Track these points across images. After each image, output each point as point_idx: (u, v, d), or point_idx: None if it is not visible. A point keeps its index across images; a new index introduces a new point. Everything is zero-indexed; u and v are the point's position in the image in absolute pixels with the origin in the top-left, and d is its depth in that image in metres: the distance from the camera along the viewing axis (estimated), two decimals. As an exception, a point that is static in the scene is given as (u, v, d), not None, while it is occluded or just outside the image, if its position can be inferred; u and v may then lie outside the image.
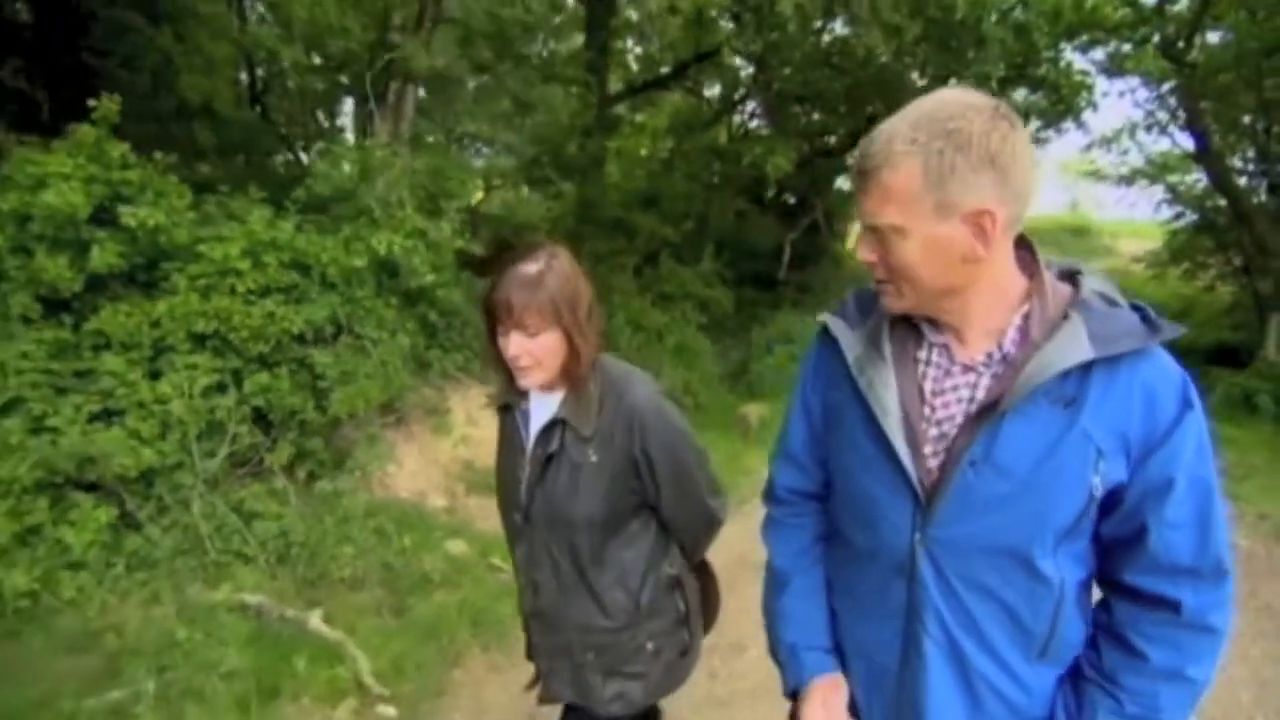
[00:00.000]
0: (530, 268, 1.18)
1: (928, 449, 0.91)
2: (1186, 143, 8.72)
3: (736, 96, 8.21)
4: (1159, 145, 9.98)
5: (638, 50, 7.72)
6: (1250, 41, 5.88)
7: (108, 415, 2.88)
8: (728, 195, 9.00)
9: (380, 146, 3.68)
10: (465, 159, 7.45)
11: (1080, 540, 0.89)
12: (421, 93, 5.93)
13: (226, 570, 2.85)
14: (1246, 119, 8.28)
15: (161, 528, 2.84)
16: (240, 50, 7.41)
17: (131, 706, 2.13)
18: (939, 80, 7.92)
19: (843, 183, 10.93)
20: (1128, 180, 10.29)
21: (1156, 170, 10.10)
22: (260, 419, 3.31)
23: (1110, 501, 0.87)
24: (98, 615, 2.52)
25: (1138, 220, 13.32)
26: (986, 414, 0.87)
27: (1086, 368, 0.83)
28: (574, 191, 7.27)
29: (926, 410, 0.92)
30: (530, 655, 1.42)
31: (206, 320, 2.99)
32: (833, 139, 9.41)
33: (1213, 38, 7.77)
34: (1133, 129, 9.62)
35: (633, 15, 6.79)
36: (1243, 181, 8.45)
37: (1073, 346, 0.83)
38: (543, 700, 1.37)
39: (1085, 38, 7.70)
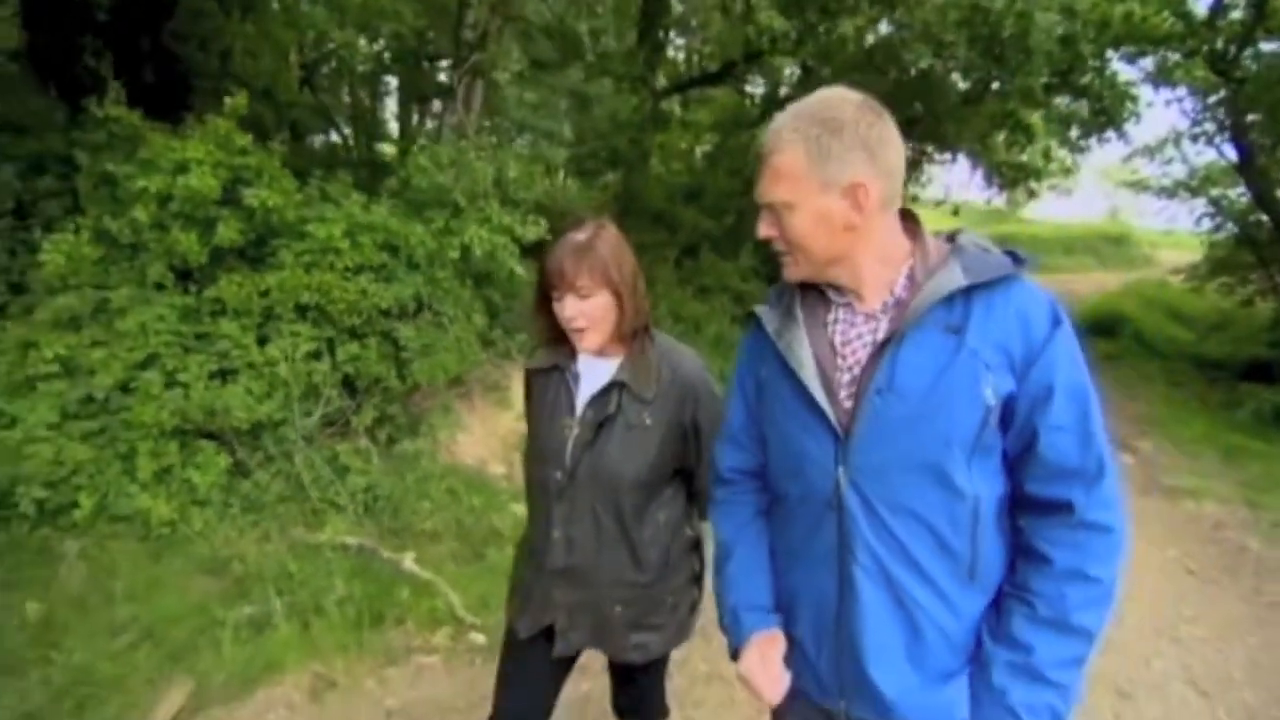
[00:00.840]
0: (580, 235, 1.31)
1: (842, 392, 1.02)
2: (1232, 155, 8.83)
3: (781, 95, 8.46)
4: (1204, 157, 10.07)
5: (685, 47, 8.00)
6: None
7: (224, 374, 3.30)
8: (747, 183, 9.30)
9: (475, 146, 4.04)
10: (521, 150, 7.82)
11: (991, 456, 0.99)
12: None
13: (323, 516, 3.26)
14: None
15: (269, 475, 3.26)
16: (295, 32, 7.83)
17: (265, 619, 2.54)
18: (981, 84, 8.11)
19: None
20: (1169, 192, 10.37)
21: (1200, 183, 10.16)
22: (347, 384, 3.72)
23: (1007, 415, 0.97)
24: (222, 545, 2.94)
25: (1179, 231, 13.33)
26: (886, 347, 0.99)
27: (967, 296, 0.97)
28: (618, 182, 7.60)
29: (839, 360, 1.04)
30: (524, 610, 1.45)
31: (310, 293, 3.39)
32: None
33: (1268, 46, 7.83)
34: (1177, 139, 9.73)
35: (683, 13, 7.06)
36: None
37: (949, 278, 0.97)
38: (558, 653, 1.43)
39: (1133, 48, 7.82)
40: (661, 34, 6.96)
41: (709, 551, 1.37)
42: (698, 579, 1.50)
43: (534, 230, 3.98)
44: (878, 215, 0.99)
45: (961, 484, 0.96)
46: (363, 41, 8.84)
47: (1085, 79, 7.72)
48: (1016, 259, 0.99)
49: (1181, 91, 8.51)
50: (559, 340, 1.37)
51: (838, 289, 1.06)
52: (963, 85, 8.41)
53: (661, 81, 7.37)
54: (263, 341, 3.41)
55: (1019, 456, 0.98)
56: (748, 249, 8.39)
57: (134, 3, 6.41)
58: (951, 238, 1.05)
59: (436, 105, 11.81)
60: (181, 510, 2.95)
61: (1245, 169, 8.29)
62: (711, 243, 8.10)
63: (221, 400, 3.12)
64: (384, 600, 2.71)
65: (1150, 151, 10.48)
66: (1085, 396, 0.95)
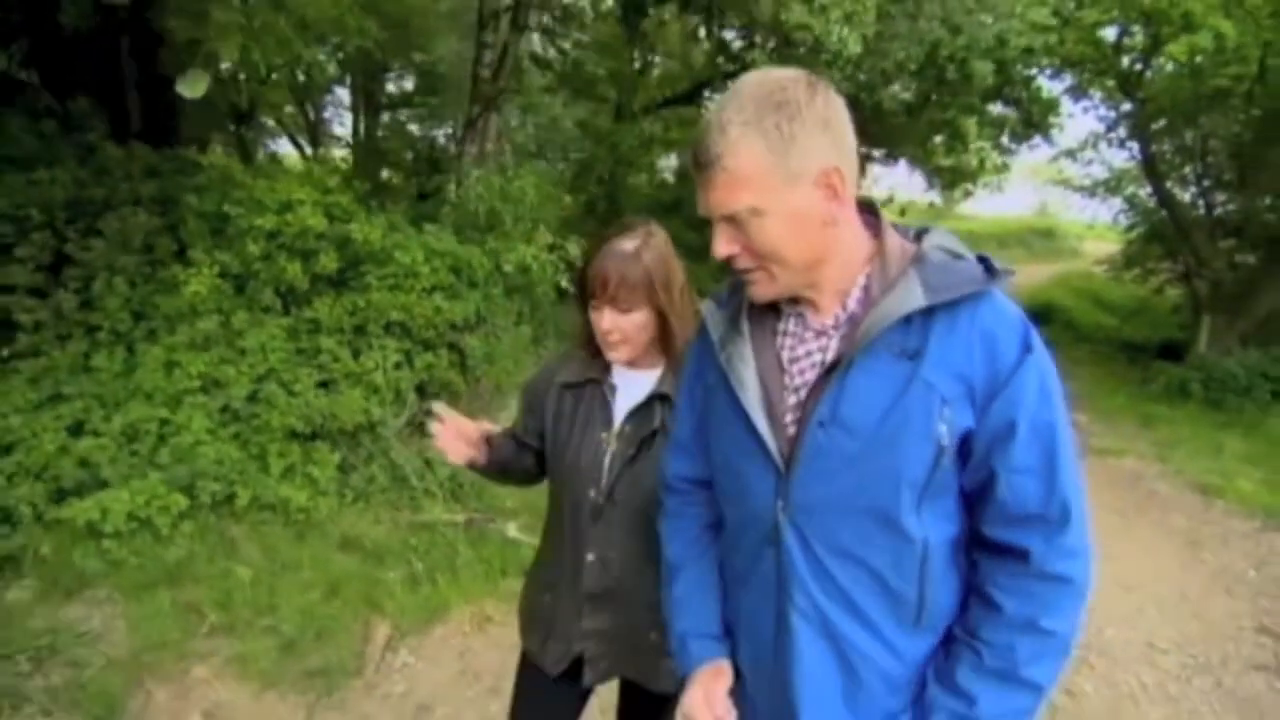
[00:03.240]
0: (628, 244, 1.25)
1: (787, 417, 0.94)
2: (1140, 158, 10.38)
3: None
4: (1118, 159, 11.67)
5: (661, 70, 8.91)
6: (1185, 87, 7.37)
7: (325, 384, 3.96)
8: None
9: (512, 172, 4.80)
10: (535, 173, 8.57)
11: (945, 496, 0.91)
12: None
13: (419, 501, 3.96)
14: (1189, 139, 9.92)
15: (373, 468, 3.94)
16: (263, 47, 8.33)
17: (414, 579, 3.25)
18: (922, 96, 9.32)
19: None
20: (1090, 191, 11.94)
21: (1116, 182, 11.77)
22: (420, 389, 4.42)
23: (964, 451, 0.89)
24: (348, 527, 3.61)
25: (1100, 224, 15.11)
26: (832, 373, 0.90)
27: (927, 317, 0.87)
28: (604, 197, 8.43)
29: (786, 379, 0.96)
30: (547, 641, 1.40)
31: (397, 311, 4.09)
32: None
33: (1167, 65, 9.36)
34: (1095, 141, 11.26)
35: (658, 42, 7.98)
36: (1187, 196, 10.11)
37: (906, 296, 0.87)
38: (588, 683, 1.39)
39: (1052, 67, 9.20)
40: (640, 60, 7.85)
41: None
42: None
43: (574, 248, 4.77)
44: (850, 205, 0.92)
45: (910, 528, 0.90)
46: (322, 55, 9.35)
47: (1015, 92, 9.12)
48: (989, 268, 0.90)
49: (1097, 100, 10.01)
50: (593, 350, 1.35)
51: (793, 297, 0.97)
52: (905, 95, 9.61)
53: (644, 101, 8.24)
54: (356, 354, 4.08)
55: (975, 495, 0.92)
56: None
57: (121, 30, 6.82)
58: (919, 236, 0.97)
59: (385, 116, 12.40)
60: (310, 499, 3.61)
61: (1150, 172, 9.79)
62: (690, 252, 9.02)
63: (330, 406, 3.79)
64: (501, 559, 3.46)
65: (1072, 154, 12.05)
66: (1053, 435, 0.88)
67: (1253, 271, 8.48)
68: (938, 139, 11.91)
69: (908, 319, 0.87)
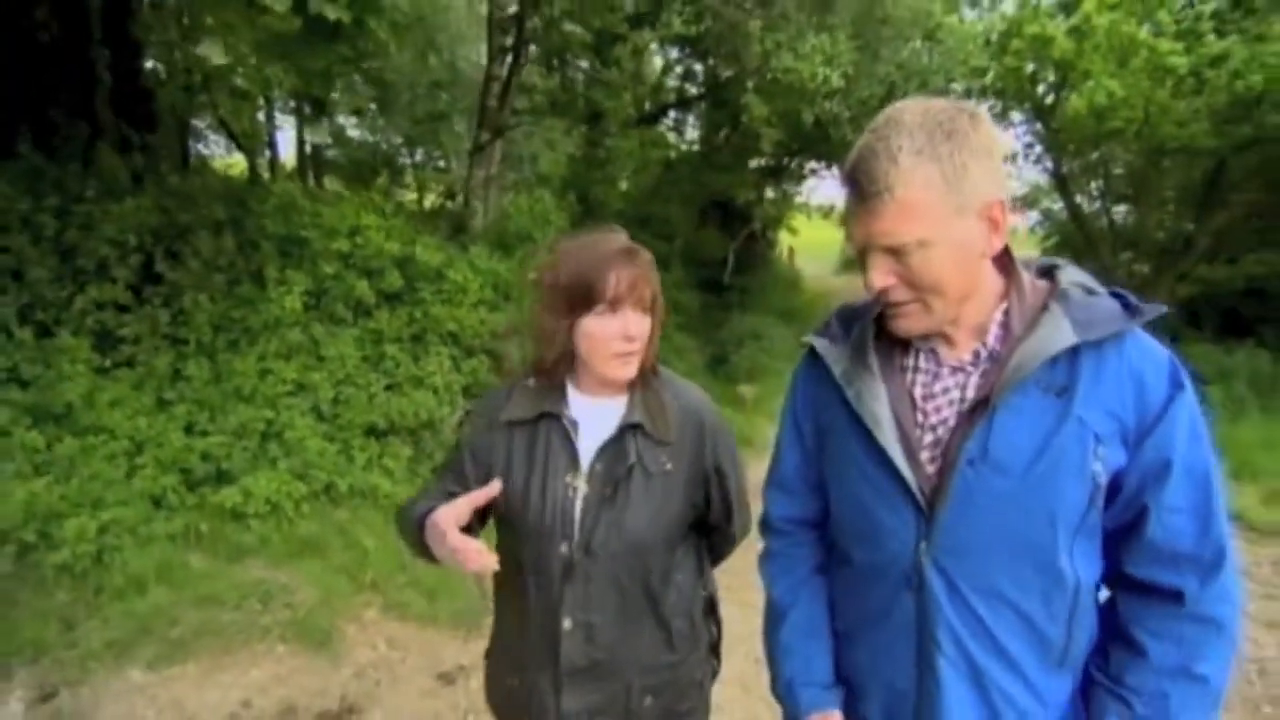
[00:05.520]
0: (625, 240, 1.16)
1: (924, 455, 0.95)
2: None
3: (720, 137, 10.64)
4: (1034, 176, 13.40)
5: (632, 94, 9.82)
6: (1089, 124, 8.83)
7: (391, 387, 4.63)
8: (692, 212, 11.31)
9: (541, 198, 5.57)
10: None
11: (1094, 536, 0.92)
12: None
13: (476, 488, 4.68)
14: (1094, 159, 11.62)
15: (436, 460, 4.62)
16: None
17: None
18: (866, 114, 10.61)
19: (770, 193, 13.62)
20: (1010, 204, 13.63)
21: (1033, 196, 13.49)
22: (465, 390, 5.12)
23: (1112, 489, 0.89)
24: (425, 511, 4.29)
25: (1019, 234, 17.08)
26: (978, 411, 0.91)
27: (1074, 355, 0.88)
28: (578, 212, 9.27)
29: (919, 416, 0.96)
30: None
31: (451, 322, 4.80)
32: (765, 160, 11.94)
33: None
34: (1014, 158, 12.92)
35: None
36: (1093, 210, 11.82)
37: (1056, 334, 0.87)
38: None
39: (981, 96, 10.67)
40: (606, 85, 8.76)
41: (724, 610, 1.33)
42: (715, 647, 1.37)
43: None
44: (1003, 239, 0.90)
45: (1064, 569, 0.90)
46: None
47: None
48: (1127, 305, 0.90)
49: (1017, 123, 11.60)
50: (548, 378, 1.21)
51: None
52: (847, 113, 10.91)
53: (617, 120, 9.08)
54: (415, 360, 4.76)
55: (1122, 534, 0.92)
56: (677, 263, 10.33)
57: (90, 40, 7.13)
58: (1048, 273, 0.97)
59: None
60: (392, 487, 4.28)
61: (1061, 188, 11.39)
62: (659, 262, 9.94)
63: (397, 406, 4.47)
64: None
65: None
66: (1207, 474, 0.88)
67: (1144, 280, 10.10)
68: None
69: (1054, 356, 0.88)
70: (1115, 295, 0.92)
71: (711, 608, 1.35)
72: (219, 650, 2.64)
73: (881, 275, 0.90)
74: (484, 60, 6.76)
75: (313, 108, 12.54)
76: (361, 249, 4.45)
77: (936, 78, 7.00)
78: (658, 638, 1.22)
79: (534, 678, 1.21)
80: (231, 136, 13.17)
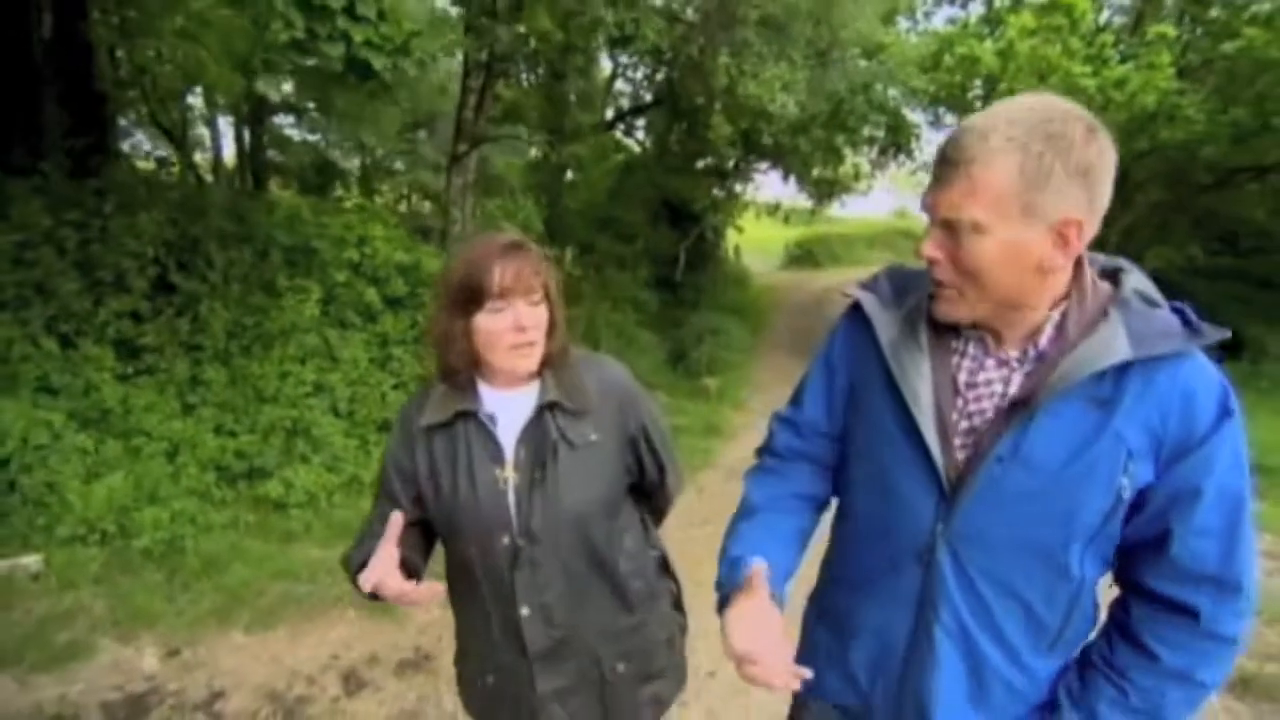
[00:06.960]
0: (505, 236, 1.19)
1: (957, 441, 0.96)
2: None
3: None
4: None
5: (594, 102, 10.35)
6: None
7: (398, 386, 5.05)
8: (647, 212, 11.93)
9: (522, 205, 6.05)
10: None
11: (1109, 543, 0.94)
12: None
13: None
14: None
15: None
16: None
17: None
18: (813, 123, 11.44)
19: (717, 192, 14.39)
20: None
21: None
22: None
23: (1136, 503, 0.91)
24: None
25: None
26: (1018, 410, 0.92)
27: (1123, 369, 0.87)
28: (542, 218, 9.75)
29: (959, 402, 0.97)
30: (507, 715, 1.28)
31: (450, 325, 5.24)
32: (713, 160, 12.64)
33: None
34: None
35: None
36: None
37: (1110, 346, 0.87)
38: None
39: (918, 105, 11.67)
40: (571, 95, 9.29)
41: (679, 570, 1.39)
42: (677, 603, 1.43)
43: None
44: (1075, 256, 0.89)
45: (1072, 568, 0.94)
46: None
47: (884, 118, 11.50)
48: (1187, 322, 0.89)
49: (949, 122, 12.68)
50: (456, 379, 1.22)
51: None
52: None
53: (572, 127, 9.60)
54: (419, 360, 5.18)
55: (1143, 547, 0.94)
56: (644, 265, 10.91)
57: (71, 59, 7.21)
58: (1112, 276, 0.97)
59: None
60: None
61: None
62: (619, 262, 10.50)
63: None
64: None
65: (930, 168, 14.86)
66: (1240, 502, 0.89)
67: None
68: (817, 154, 14.25)
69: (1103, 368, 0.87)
70: (1176, 310, 0.91)
71: (665, 565, 1.41)
72: (300, 617, 3.06)
73: (932, 246, 0.91)
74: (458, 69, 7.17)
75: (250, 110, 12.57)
76: (370, 258, 4.86)
77: (878, 88, 7.78)
78: (614, 604, 1.27)
79: (505, 671, 1.26)
80: (168, 135, 13.04)
